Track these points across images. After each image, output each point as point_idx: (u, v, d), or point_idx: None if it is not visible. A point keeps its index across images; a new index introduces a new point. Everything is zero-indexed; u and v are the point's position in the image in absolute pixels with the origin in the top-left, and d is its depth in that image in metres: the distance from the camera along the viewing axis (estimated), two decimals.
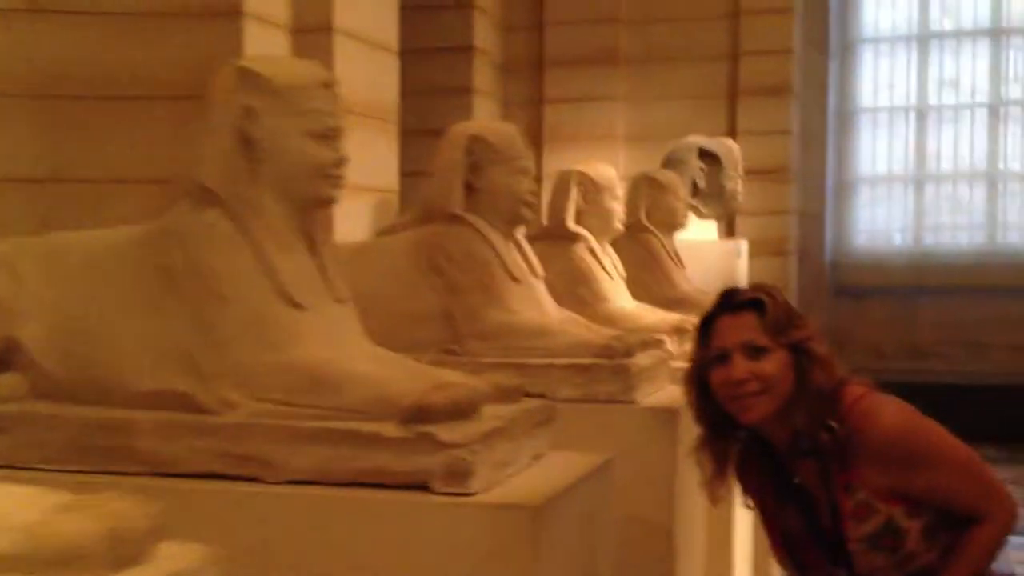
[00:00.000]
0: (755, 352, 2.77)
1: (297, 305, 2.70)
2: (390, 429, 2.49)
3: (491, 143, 4.04)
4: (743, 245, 8.79)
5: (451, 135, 4.12)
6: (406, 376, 2.69)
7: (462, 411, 2.51)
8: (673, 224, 6.46)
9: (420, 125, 8.14)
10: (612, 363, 3.85)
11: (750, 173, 9.21)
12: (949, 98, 12.96)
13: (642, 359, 3.96)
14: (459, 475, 2.43)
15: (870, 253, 12.92)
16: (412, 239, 4.06)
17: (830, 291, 12.69)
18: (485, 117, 9.81)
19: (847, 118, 12.96)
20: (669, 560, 3.75)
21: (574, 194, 5.29)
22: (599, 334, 3.99)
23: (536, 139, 10.56)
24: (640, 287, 5.87)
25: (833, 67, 12.60)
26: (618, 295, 5.30)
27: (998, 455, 9.77)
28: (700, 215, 8.54)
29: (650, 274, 6.19)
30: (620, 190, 5.43)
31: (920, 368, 11.97)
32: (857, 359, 12.13)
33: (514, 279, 4.00)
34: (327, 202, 2.82)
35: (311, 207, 2.82)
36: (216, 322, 2.65)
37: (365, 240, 4.43)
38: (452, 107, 9.12)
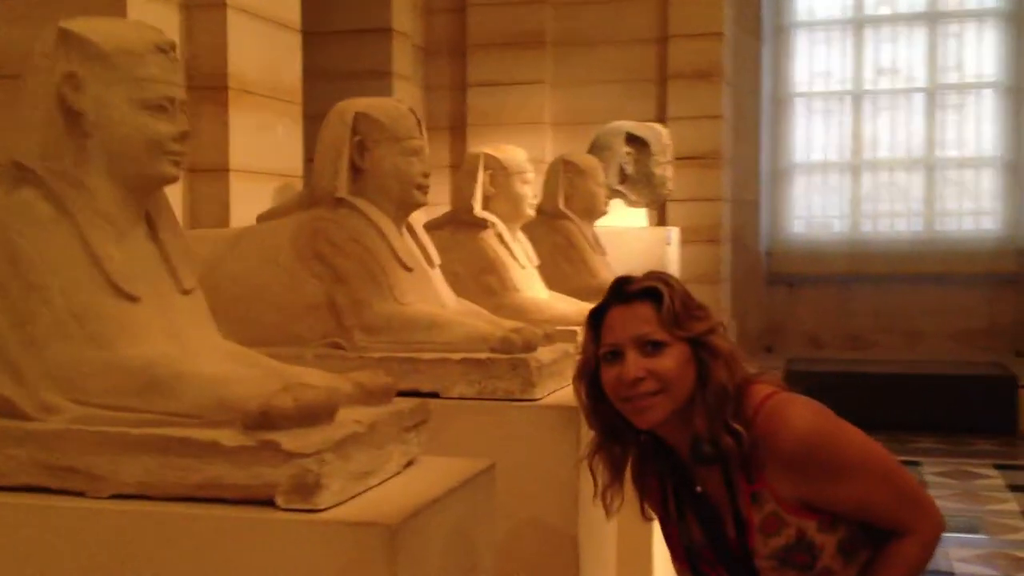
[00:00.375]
0: (651, 347, 2.48)
1: (129, 296, 2.38)
2: (230, 436, 2.18)
3: (378, 121, 3.74)
4: (673, 232, 8.59)
5: (335, 112, 3.81)
6: (255, 376, 2.39)
7: (313, 416, 2.21)
8: (592, 210, 6.21)
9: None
10: (510, 357, 3.56)
11: (681, 159, 9.09)
12: (885, 84, 12.75)
13: (544, 353, 3.67)
14: (306, 488, 2.13)
15: (806, 241, 12.72)
16: (294, 225, 3.75)
17: (765, 279, 12.50)
18: (405, 99, 9.53)
19: (782, 104, 12.74)
20: (574, 570, 3.46)
21: (481, 178, 5.00)
22: (498, 326, 3.69)
23: (459, 125, 10.35)
24: (558, 276, 5.62)
25: (767, 51, 12.39)
26: (529, 284, 5.01)
27: (936, 446, 9.68)
28: (629, 202, 8.36)
29: (568, 262, 5.95)
30: (531, 174, 5.13)
31: (857, 357, 11.84)
32: (793, 348, 12.04)
33: (405, 267, 3.70)
34: (164, 180, 2.49)
35: (147, 186, 2.49)
36: (34, 316, 2.32)
37: (244, 226, 4.11)
38: (370, 91, 8.64)
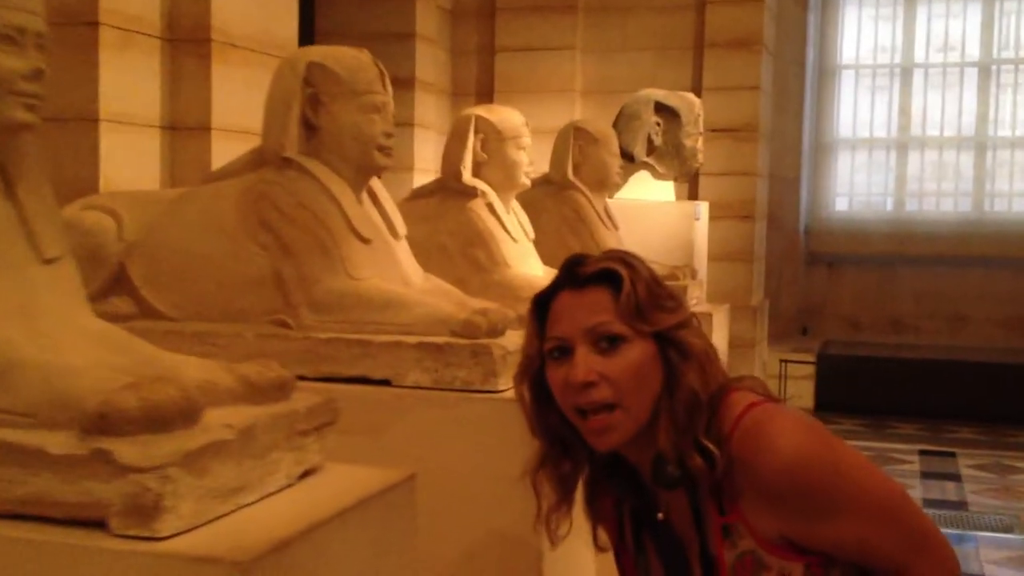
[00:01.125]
0: (606, 343, 2.01)
1: None
2: (60, 442, 1.77)
3: (334, 72, 3.31)
4: (702, 207, 8.22)
5: (286, 62, 3.40)
6: (114, 367, 1.97)
7: (164, 419, 1.79)
8: (604, 181, 5.80)
9: None
10: (472, 343, 3.14)
11: (715, 131, 8.89)
12: (937, 57, 12.28)
13: (512, 339, 3.22)
14: (143, 510, 1.71)
15: (848, 220, 12.33)
16: (240, 187, 3.34)
17: (803, 259, 12.13)
18: (430, 66, 9.15)
19: (827, 76, 12.31)
20: None
21: (472, 142, 4.57)
22: (464, 307, 3.27)
23: (486, 91, 9.98)
24: (564, 251, 5.15)
25: (813, 20, 11.95)
26: (522, 260, 4.58)
27: (975, 437, 9.34)
28: (656, 175, 7.97)
29: (575, 236, 5.55)
30: (527, 139, 4.69)
31: (898, 342, 11.50)
32: (830, 331, 11.67)
33: (361, 238, 3.29)
34: (14, 126, 2.07)
35: None
36: None
37: (186, 188, 3.70)
38: (393, 54, 8.54)
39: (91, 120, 4.63)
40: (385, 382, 3.19)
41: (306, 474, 2.11)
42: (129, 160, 4.78)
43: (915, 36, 12.22)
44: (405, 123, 8.50)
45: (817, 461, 1.96)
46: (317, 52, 3.39)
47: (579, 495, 2.22)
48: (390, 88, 3.41)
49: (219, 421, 1.89)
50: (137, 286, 3.43)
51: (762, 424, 1.99)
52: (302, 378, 3.27)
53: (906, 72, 12.28)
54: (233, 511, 1.86)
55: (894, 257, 11.95)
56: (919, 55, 12.29)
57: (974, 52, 12.12)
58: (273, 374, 2.08)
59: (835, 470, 1.97)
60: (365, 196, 3.46)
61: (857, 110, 12.43)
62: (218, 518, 1.82)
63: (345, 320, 3.23)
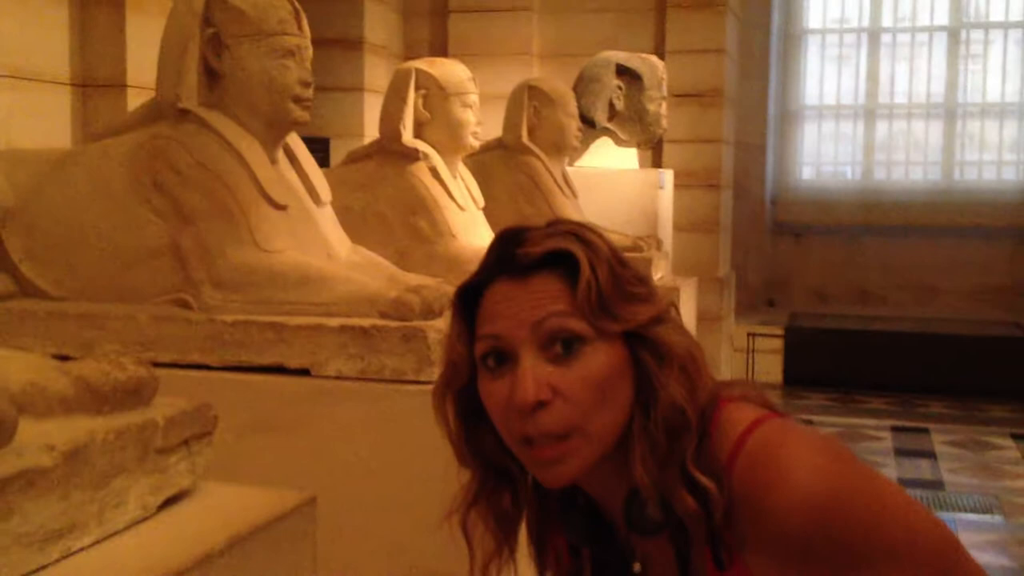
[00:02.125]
0: (561, 347, 1.49)
1: None
2: None
3: (238, 8, 2.84)
4: (667, 175, 7.86)
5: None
6: None
7: None
8: (561, 145, 5.39)
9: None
10: (403, 326, 2.68)
11: (678, 96, 8.59)
12: (905, 23, 11.94)
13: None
14: None
15: (815, 189, 12.03)
16: (130, 144, 2.87)
17: (769, 229, 11.81)
18: (379, 27, 8.70)
19: (793, 40, 11.95)
20: None
21: (413, 100, 4.10)
22: (395, 284, 2.80)
23: (440, 55, 9.46)
24: (517, 219, 4.74)
25: None
26: (469, 229, 4.13)
27: (947, 412, 9.22)
28: (618, 141, 7.63)
29: (530, 204, 5.14)
30: (474, 95, 4.23)
31: (866, 314, 11.15)
32: (797, 303, 11.39)
33: (273, 204, 2.82)
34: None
35: None
36: None
37: (73, 147, 3.22)
38: (335, 13, 8.11)
39: None
40: (303, 371, 2.74)
41: (171, 502, 1.64)
42: (34, 121, 4.39)
43: (883, 1, 11.88)
44: (354, 88, 8.28)
45: (849, 497, 1.46)
46: None
47: (523, 534, 1.69)
48: (307, 28, 2.93)
49: (39, 441, 1.42)
50: (15, 261, 2.96)
51: (773, 449, 1.49)
52: (205, 367, 2.83)
53: (873, 37, 11.97)
54: (57, 560, 1.40)
55: (862, 227, 11.65)
56: (887, 20, 11.96)
57: (943, 17, 11.81)
58: (123, 375, 1.60)
59: (873, 508, 1.47)
60: (282, 156, 2.99)
61: (824, 76, 12.10)
62: (34, 572, 1.36)
63: (255, 299, 2.79)
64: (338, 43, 8.17)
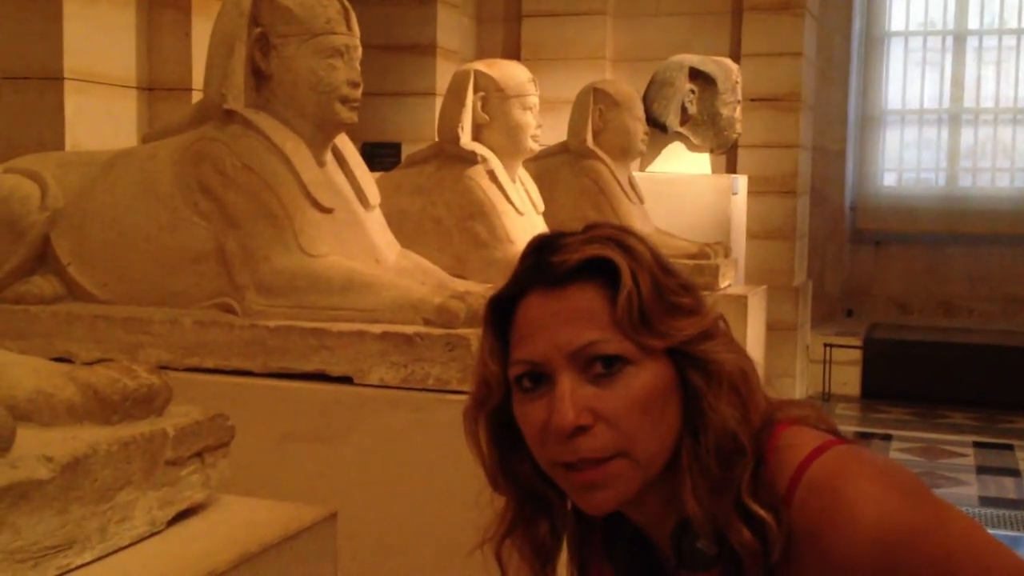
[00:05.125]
0: (602, 367, 1.38)
1: None
2: None
3: (285, 7, 2.78)
4: (740, 181, 7.74)
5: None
6: None
7: None
8: (627, 149, 5.31)
9: (382, 40, 7.43)
10: (447, 333, 2.60)
11: (754, 100, 8.53)
12: (992, 24, 11.76)
13: None
14: None
15: (897, 196, 11.84)
16: (176, 147, 2.82)
17: (849, 237, 11.66)
18: (453, 32, 8.67)
19: (875, 44, 11.80)
20: None
21: (472, 103, 4.02)
22: (441, 290, 2.73)
23: (514, 59, 9.40)
24: (580, 225, 4.66)
25: None
26: (528, 235, 4.01)
27: None
28: (690, 146, 7.52)
29: (595, 210, 5.05)
30: (535, 97, 4.14)
31: (950, 326, 10.95)
32: (877, 314, 11.19)
33: (320, 207, 2.76)
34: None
35: None
36: None
37: (123, 148, 3.19)
38: (413, 20, 8.12)
39: (54, 79, 4.23)
40: (345, 379, 2.67)
41: (182, 516, 1.58)
42: (101, 124, 4.41)
43: (968, 2, 11.70)
44: (427, 92, 8.13)
45: (921, 537, 1.34)
46: None
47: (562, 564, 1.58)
48: (356, 27, 2.86)
49: (38, 451, 1.37)
50: (64, 263, 2.94)
51: (838, 480, 1.37)
52: (247, 373, 2.78)
53: (959, 40, 11.77)
54: None
55: (946, 235, 11.44)
56: (973, 22, 11.76)
57: None
58: (134, 383, 1.54)
59: (946, 549, 1.34)
60: (330, 158, 2.93)
61: (907, 81, 11.91)
62: None
63: (298, 304, 2.73)
64: (411, 49, 8.15)
